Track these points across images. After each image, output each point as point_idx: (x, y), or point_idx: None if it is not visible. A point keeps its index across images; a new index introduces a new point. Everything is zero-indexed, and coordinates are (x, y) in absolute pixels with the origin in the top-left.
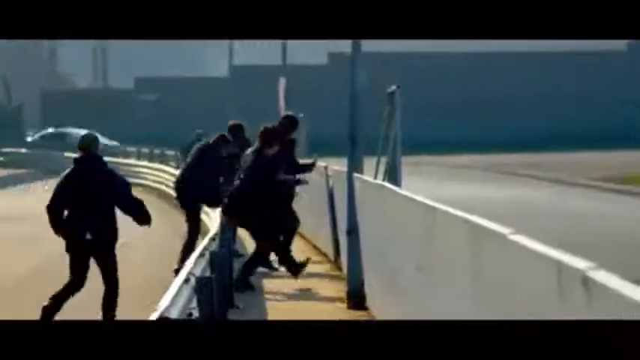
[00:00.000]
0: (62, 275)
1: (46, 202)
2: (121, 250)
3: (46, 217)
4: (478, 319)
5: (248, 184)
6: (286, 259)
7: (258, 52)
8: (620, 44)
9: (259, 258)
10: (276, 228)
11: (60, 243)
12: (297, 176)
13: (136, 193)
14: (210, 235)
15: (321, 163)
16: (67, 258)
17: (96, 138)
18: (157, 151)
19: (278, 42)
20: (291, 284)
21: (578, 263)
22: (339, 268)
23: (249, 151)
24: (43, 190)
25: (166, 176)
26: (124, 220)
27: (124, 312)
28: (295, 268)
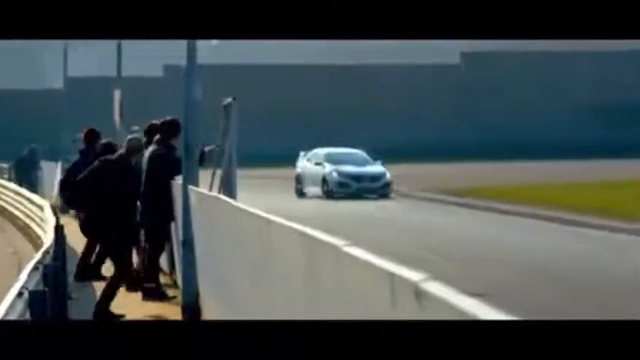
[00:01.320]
0: None
1: None
2: None
3: None
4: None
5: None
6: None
7: (93, 63)
8: (454, 58)
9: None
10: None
11: None
12: None
13: None
14: (44, 247)
15: None
16: None
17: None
18: None
19: (113, 53)
20: (129, 299)
21: (411, 275)
22: (174, 281)
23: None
24: None
25: None
26: None
27: None
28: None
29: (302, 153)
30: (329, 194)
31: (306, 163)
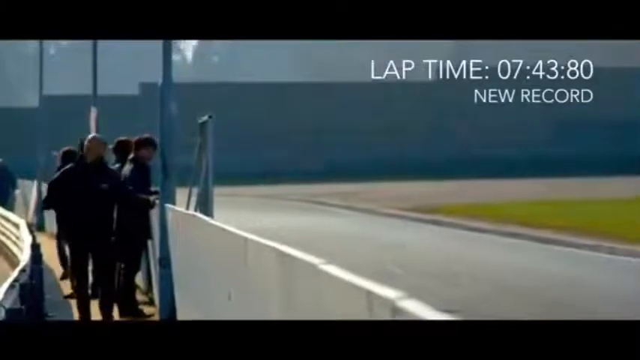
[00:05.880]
0: None
1: None
2: None
3: None
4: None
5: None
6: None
7: (68, 82)
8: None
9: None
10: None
11: None
12: None
13: None
14: (21, 266)
15: None
16: None
17: None
18: None
19: (88, 72)
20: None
21: (388, 292)
22: (152, 300)
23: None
24: None
25: None
26: None
27: None
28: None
29: None
30: None
31: None
